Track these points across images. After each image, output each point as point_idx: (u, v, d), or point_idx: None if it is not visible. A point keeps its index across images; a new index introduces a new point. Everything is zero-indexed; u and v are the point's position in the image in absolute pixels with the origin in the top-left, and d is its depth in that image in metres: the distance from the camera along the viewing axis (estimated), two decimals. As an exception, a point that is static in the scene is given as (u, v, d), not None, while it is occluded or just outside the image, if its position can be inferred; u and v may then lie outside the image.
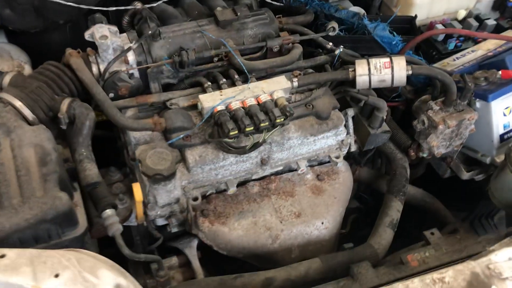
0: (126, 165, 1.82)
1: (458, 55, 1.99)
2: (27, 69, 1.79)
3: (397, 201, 1.85)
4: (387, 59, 1.69)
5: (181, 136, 1.61)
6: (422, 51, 2.09)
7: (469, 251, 1.64)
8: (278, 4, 2.06)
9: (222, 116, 1.59)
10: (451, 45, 2.04)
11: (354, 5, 2.21)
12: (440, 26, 2.07)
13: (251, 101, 1.64)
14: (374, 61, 1.70)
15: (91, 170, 1.48)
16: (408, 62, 1.73)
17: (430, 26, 2.11)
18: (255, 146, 1.61)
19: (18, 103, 1.49)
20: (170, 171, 1.50)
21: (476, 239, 1.78)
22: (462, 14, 2.14)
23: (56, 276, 1.21)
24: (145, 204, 1.64)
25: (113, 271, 1.25)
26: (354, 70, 1.72)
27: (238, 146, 1.61)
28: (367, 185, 2.20)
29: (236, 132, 1.56)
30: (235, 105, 1.62)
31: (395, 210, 1.82)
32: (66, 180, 1.46)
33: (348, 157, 2.07)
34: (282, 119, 1.59)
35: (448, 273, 1.42)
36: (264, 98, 1.65)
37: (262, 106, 1.64)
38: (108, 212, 1.52)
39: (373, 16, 2.04)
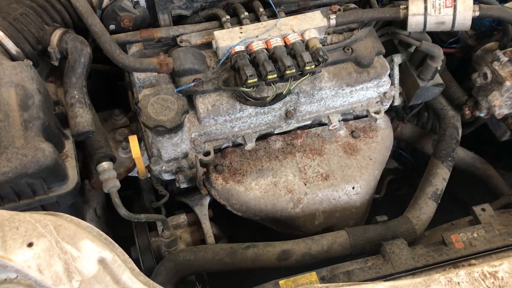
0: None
1: (537, -7, 1.61)
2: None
3: (443, 168, 1.57)
4: (449, -4, 1.36)
5: (192, 83, 1.36)
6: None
7: (527, 235, 1.37)
8: None
9: (241, 59, 1.32)
10: (528, -21, 1.66)
11: None
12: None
13: (277, 42, 1.35)
14: (432, -3, 1.37)
15: (83, 117, 1.26)
16: (476, 1, 1.39)
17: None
18: (278, 98, 1.35)
19: (-1, 33, 1.26)
20: (173, 123, 1.26)
21: (535, 219, 1.50)
22: None
23: (30, 245, 1.02)
24: (149, 156, 1.43)
25: (97, 242, 1.06)
26: (407, 8, 1.39)
27: (258, 97, 1.35)
28: (409, 144, 1.92)
29: (256, 80, 1.29)
30: (257, 45, 1.34)
31: (440, 179, 1.55)
32: (53, 127, 1.25)
33: (390, 111, 1.78)
34: (313, 66, 1.31)
35: (503, 267, 1.16)
36: (292, 38, 1.36)
37: (290, 49, 1.35)
38: (104, 165, 1.32)
39: None
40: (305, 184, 1.55)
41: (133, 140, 1.22)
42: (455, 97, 1.66)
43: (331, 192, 1.55)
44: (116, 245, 1.09)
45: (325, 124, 1.60)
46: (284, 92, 1.33)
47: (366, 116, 1.65)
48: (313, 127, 1.62)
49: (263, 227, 1.62)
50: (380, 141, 1.64)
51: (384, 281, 1.30)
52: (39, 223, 1.04)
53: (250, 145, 1.50)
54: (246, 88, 1.30)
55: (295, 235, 1.62)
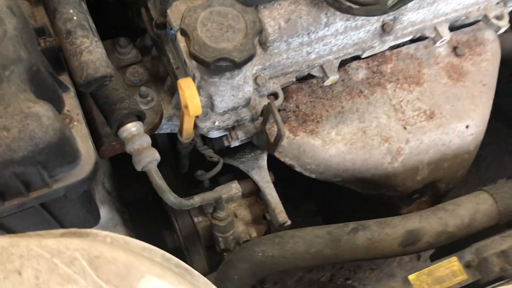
0: (143, 32, 1.08)
1: None
2: None
3: None
4: None
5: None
6: None
7: None
8: None
9: None
10: None
11: None
12: None
13: None
14: None
15: (92, 53, 0.74)
16: None
17: None
18: (403, 1, 0.85)
19: None
20: (245, 53, 0.77)
21: None
22: None
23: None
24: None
25: (169, 276, 0.59)
26: None
27: (369, 1, 0.85)
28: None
29: (371, -29, 0.79)
30: None
31: None
32: (44, 73, 0.73)
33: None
34: None
35: None
36: None
37: None
38: (131, 128, 0.83)
39: None
40: (405, 128, 1.10)
41: (187, 83, 0.71)
42: None
43: (439, 136, 1.12)
44: (196, 274, 0.62)
45: (419, 40, 1.14)
46: (413, -10, 0.84)
47: (468, 25, 1.19)
48: (404, 46, 1.15)
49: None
50: (491, 58, 1.20)
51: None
52: (60, 257, 0.56)
53: (332, 78, 1.03)
54: (355, -14, 0.80)
55: (384, 196, 1.20)
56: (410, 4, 0.99)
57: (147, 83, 1.06)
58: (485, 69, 1.19)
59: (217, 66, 0.77)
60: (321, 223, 1.67)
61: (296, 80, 1.08)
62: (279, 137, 0.91)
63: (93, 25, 0.79)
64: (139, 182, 1.57)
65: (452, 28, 1.18)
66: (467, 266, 0.91)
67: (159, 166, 0.83)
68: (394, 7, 0.84)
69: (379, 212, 1.33)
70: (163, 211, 1.31)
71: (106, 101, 0.83)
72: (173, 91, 1.06)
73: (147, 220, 1.49)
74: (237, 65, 0.78)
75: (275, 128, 0.95)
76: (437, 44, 1.10)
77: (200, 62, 0.77)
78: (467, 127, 1.14)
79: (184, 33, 0.77)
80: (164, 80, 1.08)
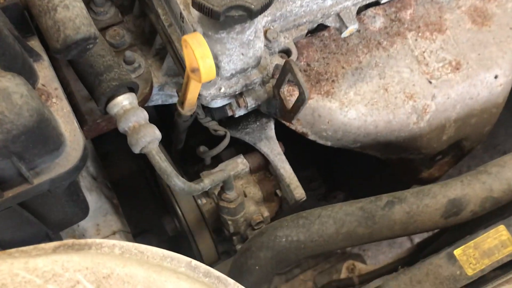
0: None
1: None
2: None
3: None
4: None
5: None
6: None
7: None
8: None
9: None
10: None
11: None
12: None
13: None
14: None
15: (69, 9, 0.58)
16: None
17: None
18: None
19: None
20: (262, 1, 0.61)
21: None
22: None
23: None
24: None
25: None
26: None
27: None
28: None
29: None
30: None
31: None
32: (9, 38, 0.56)
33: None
34: None
35: None
36: None
37: None
38: (124, 101, 0.67)
39: None
40: (430, 82, 0.97)
41: (199, 42, 0.56)
42: None
43: (467, 88, 1.00)
44: (231, 282, 0.49)
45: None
46: None
47: (489, -38, 1.05)
48: (423, -12, 1.01)
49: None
50: (516, -1, 1.07)
51: None
52: (57, 282, 0.41)
53: (351, 29, 0.88)
54: None
55: (405, 160, 1.08)
56: None
57: (131, 47, 0.89)
58: (511, 10, 1.06)
59: (228, 17, 0.62)
60: (326, 194, 1.55)
61: (308, 32, 0.93)
62: (301, 101, 0.76)
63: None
64: (123, 160, 1.42)
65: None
66: (518, 235, 0.80)
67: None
68: None
69: (397, 177, 1.23)
70: (153, 191, 1.17)
71: (90, 70, 0.67)
72: (163, 54, 0.90)
73: (136, 202, 1.35)
74: (254, 14, 0.62)
75: (290, 92, 0.81)
76: (464, -18, 0.96)
77: (207, 12, 0.61)
78: (496, 77, 1.02)
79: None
80: (151, 42, 0.91)
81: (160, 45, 0.89)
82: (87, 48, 0.60)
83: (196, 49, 0.56)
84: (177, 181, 0.67)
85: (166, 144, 1.05)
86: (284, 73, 0.77)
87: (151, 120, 0.71)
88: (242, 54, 0.74)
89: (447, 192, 0.81)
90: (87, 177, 0.99)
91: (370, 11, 0.98)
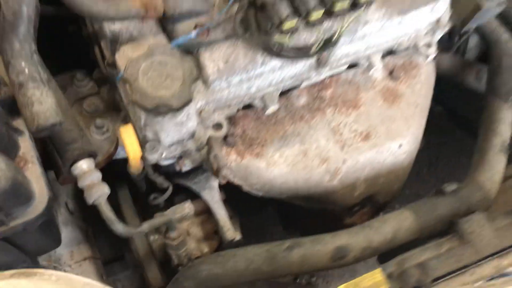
0: (99, 66, 1.16)
1: None
2: None
3: (508, 109, 1.26)
4: None
5: (193, 31, 0.93)
6: None
7: None
8: None
9: (266, -9, 0.90)
10: None
11: None
12: None
13: (312, -38, 0.93)
14: None
15: (42, 103, 0.83)
16: None
17: None
18: (326, 45, 0.95)
19: None
20: (182, 100, 0.86)
21: None
22: None
23: None
24: (141, 141, 1.02)
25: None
26: None
27: (298, 46, 0.95)
28: (448, 78, 1.58)
29: (295, 22, 0.88)
30: (285, -31, 0.92)
31: (506, 125, 1.25)
32: (2, 127, 0.81)
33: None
34: (371, -6, 0.92)
35: None
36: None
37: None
38: (82, 165, 0.92)
39: None
40: (342, 149, 1.21)
41: (128, 133, 0.81)
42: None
43: (374, 155, 1.22)
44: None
45: (356, 66, 1.23)
46: (334, 38, 0.94)
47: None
48: (342, 71, 1.25)
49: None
50: (424, 81, 1.30)
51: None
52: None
53: (272, 108, 1.13)
54: (281, 34, 0.89)
55: (328, 209, 1.31)
56: (341, 40, 1.08)
57: (103, 113, 1.14)
58: (418, 91, 1.29)
59: (157, 112, 0.86)
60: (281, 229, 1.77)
61: (243, 107, 1.18)
62: (218, 170, 1.00)
63: (44, 76, 0.87)
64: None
65: (389, 52, 1.29)
66: (390, 276, 1.02)
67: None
68: (318, 52, 0.94)
69: (326, 222, 1.45)
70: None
71: (60, 142, 0.91)
72: (128, 121, 1.14)
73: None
74: (175, 111, 0.87)
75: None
76: (371, 71, 1.20)
77: (142, 108, 0.86)
78: (400, 146, 1.24)
79: (126, 82, 0.86)
80: (120, 109, 1.16)
81: (125, 114, 1.13)
82: (54, 130, 0.85)
83: (126, 139, 0.81)
84: (118, 226, 0.91)
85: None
86: (209, 144, 1.01)
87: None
88: (177, 130, 0.98)
89: (336, 241, 1.04)
90: (64, 213, 1.23)
91: (296, 91, 1.22)
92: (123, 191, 1.24)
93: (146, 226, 0.97)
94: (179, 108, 0.86)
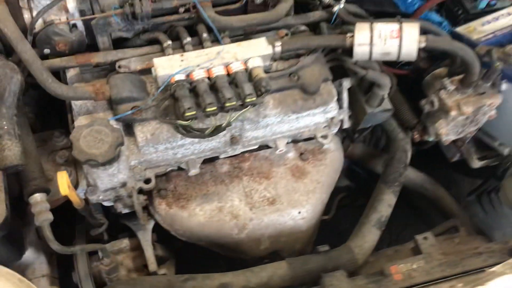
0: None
1: (489, 17, 1.59)
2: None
3: (389, 194, 1.57)
4: (396, 26, 1.32)
5: (130, 111, 1.31)
6: (447, 8, 1.70)
7: (465, 265, 1.39)
8: None
9: (180, 89, 1.28)
10: (483, 3, 1.64)
11: None
12: (472, -23, 1.65)
13: (219, 71, 1.31)
14: (379, 27, 1.33)
15: (11, 150, 1.21)
16: (423, 31, 1.36)
17: (460, -25, 1.69)
18: (218, 130, 1.31)
19: None
20: (106, 158, 1.22)
21: (476, 247, 1.50)
22: (504, -39, 1.70)
23: None
24: (87, 185, 1.38)
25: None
26: (353, 37, 1.36)
27: (196, 128, 1.31)
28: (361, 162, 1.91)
29: (194, 112, 1.25)
30: (198, 74, 1.30)
31: (385, 205, 1.55)
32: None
33: (342, 131, 1.76)
34: (254, 98, 1.28)
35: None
36: (235, 67, 1.32)
37: (232, 78, 1.31)
38: (37, 197, 1.27)
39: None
40: (251, 210, 1.53)
41: (61, 177, 1.17)
42: (405, 120, 1.65)
43: (276, 217, 1.54)
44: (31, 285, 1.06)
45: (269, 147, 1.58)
46: (223, 125, 1.30)
47: (316, 138, 1.63)
48: (262, 149, 1.59)
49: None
50: (329, 164, 1.62)
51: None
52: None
53: (194, 171, 1.47)
54: (183, 121, 1.26)
55: (241, 258, 1.61)
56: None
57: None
58: (323, 171, 1.61)
59: (89, 164, 1.23)
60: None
61: (178, 168, 1.53)
62: (138, 212, 1.35)
63: (18, 131, 1.24)
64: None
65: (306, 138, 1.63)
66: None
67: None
68: (211, 134, 1.30)
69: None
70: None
71: (24, 178, 1.28)
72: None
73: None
74: (101, 164, 1.23)
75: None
76: (277, 152, 1.54)
77: (78, 161, 1.23)
78: (299, 213, 1.55)
79: (71, 142, 1.24)
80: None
81: (85, 164, 1.50)
82: (17, 169, 1.22)
83: (59, 181, 1.17)
84: (54, 245, 1.24)
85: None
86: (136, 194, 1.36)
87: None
88: (110, 180, 1.34)
89: (222, 279, 1.35)
90: (33, 236, 1.58)
91: (221, 160, 1.56)
92: (80, 225, 1.59)
93: (78, 248, 1.31)
94: (104, 163, 1.23)
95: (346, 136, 1.80)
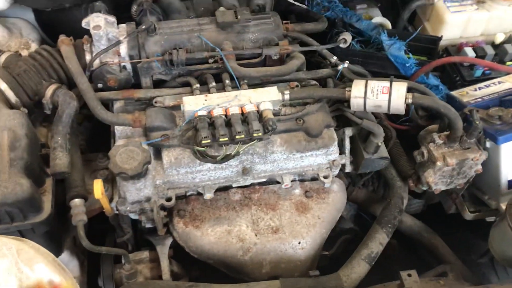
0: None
1: (481, 84, 1.80)
2: (33, 48, 1.84)
3: (382, 233, 1.74)
4: (386, 84, 1.56)
5: (159, 138, 1.59)
6: (447, 74, 1.92)
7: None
8: (298, 5, 1.97)
9: (201, 122, 1.55)
10: (478, 72, 1.86)
11: (384, 15, 2.06)
12: (469, 50, 1.88)
13: (235, 110, 1.58)
14: (372, 84, 1.58)
15: (61, 160, 1.50)
16: (412, 90, 1.59)
17: (459, 48, 1.92)
18: (227, 158, 1.56)
19: (3, 85, 1.54)
20: (135, 172, 1.49)
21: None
22: (499, 38, 1.93)
23: (-7, 263, 1.26)
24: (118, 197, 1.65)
25: (50, 266, 1.28)
26: (351, 91, 1.61)
27: (210, 155, 1.57)
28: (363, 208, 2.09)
29: (209, 141, 1.51)
30: (217, 111, 1.57)
31: (377, 243, 1.71)
32: (35, 166, 1.49)
33: (347, 177, 1.96)
34: (260, 134, 1.53)
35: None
36: (249, 108, 1.59)
37: (245, 117, 1.58)
38: (76, 201, 1.55)
39: (394, 31, 1.89)
40: (256, 235, 1.73)
41: (97, 183, 1.45)
42: (403, 170, 1.84)
43: (278, 245, 1.73)
44: (67, 271, 1.31)
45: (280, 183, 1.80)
46: (232, 153, 1.55)
47: (320, 179, 1.84)
48: (271, 184, 1.82)
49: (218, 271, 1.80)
50: (331, 203, 1.82)
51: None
52: (5, 245, 1.27)
53: (208, 195, 1.71)
54: (200, 147, 1.52)
55: (245, 280, 1.79)
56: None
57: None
58: (324, 208, 1.80)
59: (120, 176, 1.51)
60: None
61: (196, 193, 1.78)
62: (157, 223, 1.59)
63: (68, 146, 1.55)
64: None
65: (312, 179, 1.84)
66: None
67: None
68: (222, 160, 1.55)
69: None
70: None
71: (68, 185, 1.57)
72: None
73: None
74: (131, 177, 1.50)
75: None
76: (283, 186, 1.76)
77: (113, 173, 1.51)
78: (299, 243, 1.74)
79: (109, 157, 1.52)
80: (119, 180, 1.82)
81: (120, 182, 1.78)
82: (64, 176, 1.51)
83: (95, 185, 1.44)
84: (84, 241, 1.50)
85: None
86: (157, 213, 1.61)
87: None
88: (137, 194, 1.61)
89: (219, 289, 1.55)
90: (69, 242, 1.85)
91: (234, 189, 1.79)
92: (110, 235, 1.85)
93: (104, 248, 1.55)
94: (133, 177, 1.50)
95: (351, 182, 2.00)
